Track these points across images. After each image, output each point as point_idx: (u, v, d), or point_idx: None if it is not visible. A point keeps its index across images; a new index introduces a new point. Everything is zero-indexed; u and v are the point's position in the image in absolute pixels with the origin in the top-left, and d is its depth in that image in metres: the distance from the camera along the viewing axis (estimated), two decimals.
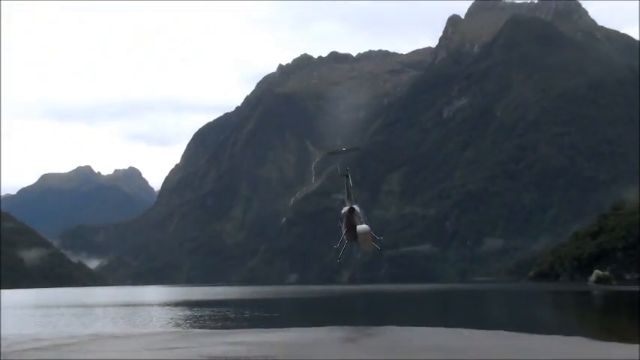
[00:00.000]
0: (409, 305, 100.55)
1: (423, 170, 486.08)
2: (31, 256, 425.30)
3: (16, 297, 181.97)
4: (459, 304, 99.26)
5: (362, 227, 14.79)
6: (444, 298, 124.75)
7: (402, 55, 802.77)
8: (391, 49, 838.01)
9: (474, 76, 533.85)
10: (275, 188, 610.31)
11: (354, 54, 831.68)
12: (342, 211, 15.56)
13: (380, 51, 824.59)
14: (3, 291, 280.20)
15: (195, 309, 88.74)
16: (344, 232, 15.06)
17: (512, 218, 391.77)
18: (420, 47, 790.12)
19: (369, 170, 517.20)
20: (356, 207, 16.58)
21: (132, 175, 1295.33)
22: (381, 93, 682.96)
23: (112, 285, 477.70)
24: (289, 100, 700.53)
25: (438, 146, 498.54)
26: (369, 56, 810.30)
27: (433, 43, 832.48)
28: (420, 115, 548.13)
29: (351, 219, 14.66)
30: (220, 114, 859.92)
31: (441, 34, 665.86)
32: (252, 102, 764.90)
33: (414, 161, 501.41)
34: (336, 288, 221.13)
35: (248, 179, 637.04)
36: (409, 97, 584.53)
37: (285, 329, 49.29)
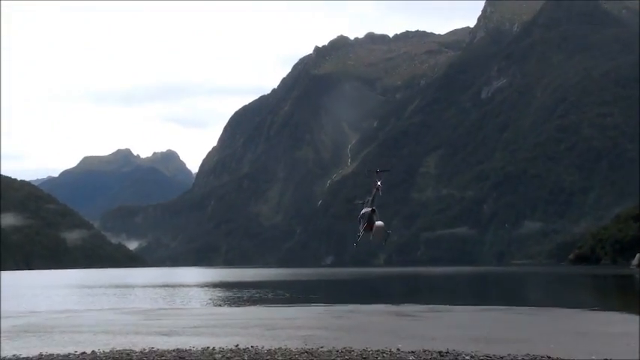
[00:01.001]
0: (450, 286, 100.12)
1: (461, 152, 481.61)
2: (72, 237, 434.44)
3: (59, 277, 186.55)
4: (503, 286, 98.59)
5: (379, 223, 18.80)
6: (486, 280, 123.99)
7: (439, 35, 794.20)
8: (428, 30, 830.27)
9: (514, 55, 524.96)
10: (311, 170, 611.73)
11: (391, 35, 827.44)
12: (364, 211, 19.45)
13: (417, 31, 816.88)
14: (46, 271, 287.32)
15: (234, 290, 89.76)
16: (363, 226, 18.91)
17: (553, 201, 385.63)
18: (458, 27, 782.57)
19: (406, 152, 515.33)
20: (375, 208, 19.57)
21: (170, 157, 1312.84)
22: (418, 74, 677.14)
23: (150, 266, 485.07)
24: (325, 81, 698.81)
25: (476, 127, 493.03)
26: (406, 37, 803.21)
27: (471, 22, 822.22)
28: (457, 96, 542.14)
29: (372, 217, 18.22)
30: (257, 96, 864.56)
31: (479, 13, 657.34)
32: (288, 84, 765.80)
33: (452, 143, 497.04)
34: (373, 270, 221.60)
35: (284, 161, 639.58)
36: (447, 78, 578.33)
37: (329, 305, 49.79)
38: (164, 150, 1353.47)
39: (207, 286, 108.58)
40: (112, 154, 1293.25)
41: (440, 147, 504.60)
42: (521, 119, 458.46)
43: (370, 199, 21.63)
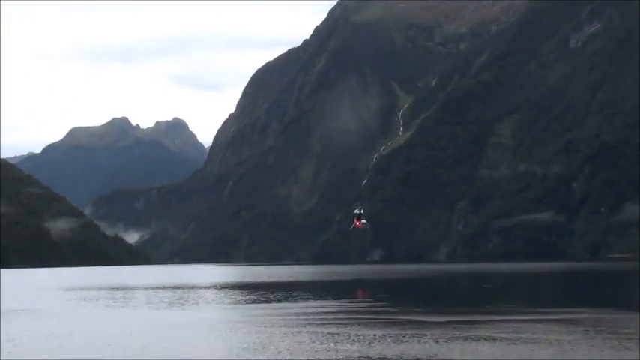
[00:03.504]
0: (533, 288, 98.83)
1: (543, 117, 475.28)
2: (58, 227, 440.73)
3: (42, 276, 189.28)
4: (602, 287, 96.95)
5: (363, 221, 38.50)
6: (578, 279, 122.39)
7: None
8: None
9: None
10: (353, 143, 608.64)
11: None
12: (355, 212, 39.42)
13: None
14: (27, 270, 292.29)
15: (261, 292, 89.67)
16: (355, 220, 38.42)
17: None
18: None
19: (473, 117, 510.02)
20: (362, 212, 43.47)
21: (177, 127, 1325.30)
22: (489, 19, 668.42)
23: (155, 263, 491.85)
24: (370, 30, 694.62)
25: (562, 86, 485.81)
26: None
27: None
28: (538, 45, 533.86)
29: (360, 217, 39.82)
30: (283, 50, 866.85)
31: None
32: (323, 34, 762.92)
33: (532, 105, 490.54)
34: (432, 267, 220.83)
35: (319, 132, 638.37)
36: (525, 24, 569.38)
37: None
38: (170, 119, 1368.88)
39: (225, 287, 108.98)
40: (106, 124, 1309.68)
41: (516, 111, 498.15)
42: (620, 74, 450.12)
43: (360, 205, 38.92)
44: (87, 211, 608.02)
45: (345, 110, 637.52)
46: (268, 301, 71.78)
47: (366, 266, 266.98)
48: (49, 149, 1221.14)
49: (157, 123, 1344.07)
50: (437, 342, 34.83)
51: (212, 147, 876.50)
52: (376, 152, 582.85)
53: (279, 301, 71.51)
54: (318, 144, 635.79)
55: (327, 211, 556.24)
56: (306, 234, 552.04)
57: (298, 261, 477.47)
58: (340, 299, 73.36)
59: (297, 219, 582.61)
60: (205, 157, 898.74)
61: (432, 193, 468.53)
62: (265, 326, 44.58)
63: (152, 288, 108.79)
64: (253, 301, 71.27)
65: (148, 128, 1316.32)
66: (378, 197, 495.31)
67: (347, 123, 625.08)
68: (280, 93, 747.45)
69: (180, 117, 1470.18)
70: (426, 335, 37.71)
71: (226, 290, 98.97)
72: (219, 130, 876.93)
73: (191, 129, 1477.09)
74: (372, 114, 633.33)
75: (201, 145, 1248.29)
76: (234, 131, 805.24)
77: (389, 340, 36.17)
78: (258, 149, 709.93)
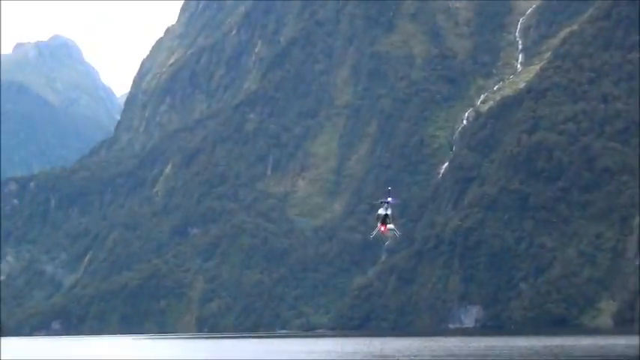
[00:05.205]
0: None
1: None
2: None
3: None
4: None
5: (390, 226, 58.81)
6: None
7: None
8: None
9: None
10: (423, 87, 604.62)
11: None
12: (380, 212, 58.42)
13: None
14: None
15: None
16: (379, 225, 58.14)
17: None
18: None
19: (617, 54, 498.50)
20: (389, 212, 60.28)
21: (60, 56, 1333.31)
22: None
23: (12, 334, 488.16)
24: None
25: None
26: None
27: None
28: None
29: (385, 219, 58.09)
30: None
31: None
32: None
33: None
34: (590, 343, 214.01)
35: (352, 65, 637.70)
36: None
37: None
38: (45, 39, 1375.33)
39: None
40: None
41: None
42: None
43: (387, 203, 66.68)
44: None
45: (407, 22, 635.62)
46: None
47: (451, 340, 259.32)
48: None
49: (19, 47, 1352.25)
50: None
51: (131, 95, 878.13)
52: (468, 107, 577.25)
53: None
54: (350, 90, 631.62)
55: (367, 227, 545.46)
56: (325, 274, 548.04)
57: (310, 329, 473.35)
58: None
59: (308, 242, 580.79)
60: (117, 117, 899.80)
61: (583, 193, 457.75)
62: None
63: None
64: None
65: (4, 56, 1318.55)
66: (472, 198, 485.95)
67: (411, 47, 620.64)
68: None
69: (64, 34, 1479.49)
70: None
71: None
72: (144, 62, 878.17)
73: (87, 59, 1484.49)
74: (462, 30, 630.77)
75: (109, 91, 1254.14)
76: (174, 64, 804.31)
77: None
78: (224, 100, 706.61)
